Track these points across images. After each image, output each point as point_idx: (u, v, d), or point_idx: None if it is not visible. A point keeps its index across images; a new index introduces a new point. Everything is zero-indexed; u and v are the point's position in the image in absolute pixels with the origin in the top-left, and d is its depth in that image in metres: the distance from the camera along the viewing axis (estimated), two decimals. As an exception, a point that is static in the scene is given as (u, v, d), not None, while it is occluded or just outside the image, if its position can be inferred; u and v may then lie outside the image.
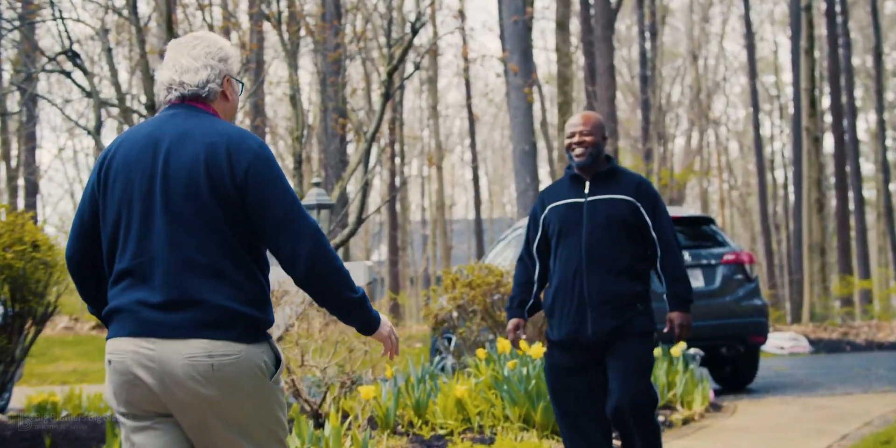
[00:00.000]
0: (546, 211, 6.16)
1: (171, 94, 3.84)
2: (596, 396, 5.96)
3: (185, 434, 3.68)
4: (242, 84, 4.05)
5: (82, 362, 17.03)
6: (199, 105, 3.84)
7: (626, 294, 5.92)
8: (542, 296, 6.27)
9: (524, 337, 6.21)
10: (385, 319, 3.93)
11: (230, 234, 3.64)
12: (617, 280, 5.92)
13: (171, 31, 11.04)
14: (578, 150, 6.07)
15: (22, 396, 12.88)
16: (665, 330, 6.04)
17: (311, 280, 3.70)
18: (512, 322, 6.18)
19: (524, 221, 13.95)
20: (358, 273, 10.43)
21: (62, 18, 11.03)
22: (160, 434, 3.67)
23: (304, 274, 3.68)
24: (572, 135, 6.10)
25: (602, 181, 6.07)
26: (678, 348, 10.46)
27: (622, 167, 6.19)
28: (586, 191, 6.06)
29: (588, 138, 6.07)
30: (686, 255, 12.18)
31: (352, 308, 3.79)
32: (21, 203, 31.81)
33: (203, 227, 3.63)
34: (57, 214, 35.32)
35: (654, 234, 6.00)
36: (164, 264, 3.62)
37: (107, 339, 3.70)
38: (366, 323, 3.87)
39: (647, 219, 5.99)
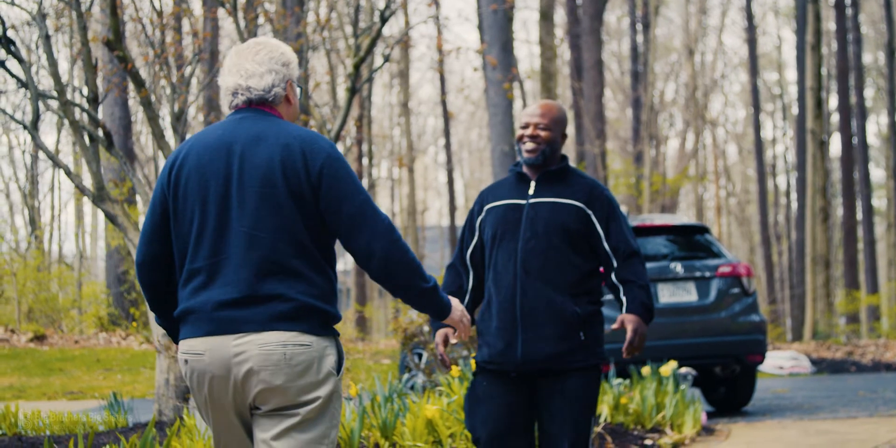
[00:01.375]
0: (483, 213, 5.82)
1: (238, 99, 4.33)
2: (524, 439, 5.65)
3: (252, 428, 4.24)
4: (301, 88, 4.51)
5: (19, 378, 17.00)
6: (266, 109, 4.34)
7: (566, 317, 5.53)
8: (475, 312, 5.88)
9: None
10: (455, 303, 4.45)
11: (304, 231, 4.16)
12: (556, 297, 5.55)
13: (115, 17, 11.03)
14: (530, 145, 5.69)
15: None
16: (614, 327, 5.66)
17: (385, 275, 4.24)
18: (439, 334, 5.73)
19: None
20: None
21: (-4, 1, 11.04)
22: (237, 428, 4.23)
23: (379, 269, 4.22)
24: (526, 126, 5.71)
25: (549, 182, 5.72)
26: (668, 367, 10.52)
27: (576, 168, 5.82)
28: (531, 191, 5.71)
29: (543, 133, 5.69)
30: (678, 267, 12.26)
31: (425, 298, 4.33)
32: (-51, 205, 31.69)
33: (278, 226, 4.14)
34: (-9, 218, 35.13)
35: (606, 246, 5.62)
36: (239, 262, 4.13)
37: (180, 339, 4.24)
38: (438, 310, 4.41)
39: (600, 230, 5.63)
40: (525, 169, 5.78)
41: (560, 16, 36.69)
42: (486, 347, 5.68)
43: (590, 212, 5.62)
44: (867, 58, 48.63)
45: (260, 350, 4.05)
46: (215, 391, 4.15)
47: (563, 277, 5.56)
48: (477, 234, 5.83)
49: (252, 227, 4.13)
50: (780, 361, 19.69)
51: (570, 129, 43.34)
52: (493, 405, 5.62)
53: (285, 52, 4.35)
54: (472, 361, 7.84)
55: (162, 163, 22.31)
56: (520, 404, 5.62)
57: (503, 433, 5.58)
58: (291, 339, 4.08)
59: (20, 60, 10.84)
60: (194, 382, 4.19)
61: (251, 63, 4.30)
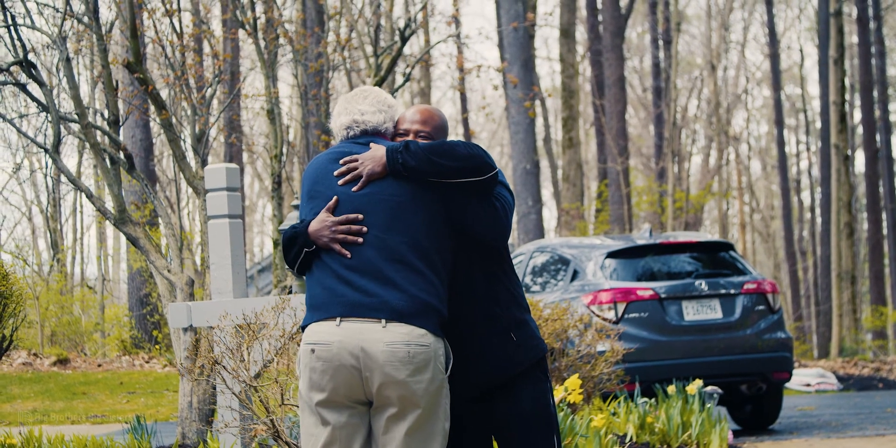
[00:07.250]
0: None
1: (353, 130, 5.01)
2: None
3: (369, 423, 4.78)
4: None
5: (42, 402, 17.03)
6: (380, 136, 5.01)
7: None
8: None
9: None
10: None
11: (425, 237, 4.77)
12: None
13: (135, 39, 11.08)
14: None
15: (-27, 440, 12.86)
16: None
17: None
18: None
19: (527, 247, 13.98)
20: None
21: (15, 25, 11.10)
22: (355, 419, 4.75)
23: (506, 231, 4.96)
24: (405, 133, 5.15)
25: None
26: (694, 386, 10.48)
27: None
28: None
29: (424, 143, 4.97)
30: (703, 284, 12.23)
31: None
32: (-29, 228, 31.76)
33: (402, 230, 4.75)
34: (13, 240, 35.25)
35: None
36: (368, 262, 4.72)
37: (309, 323, 4.77)
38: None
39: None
40: None
41: (581, 33, 36.73)
42: None
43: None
44: (891, 71, 48.48)
45: (386, 347, 4.63)
46: (340, 379, 4.68)
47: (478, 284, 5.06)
48: None
49: (382, 231, 4.73)
50: (807, 379, 19.60)
51: (593, 147, 43.30)
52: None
53: (388, 97, 5.05)
54: None
55: (183, 185, 22.43)
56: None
57: None
58: (415, 339, 4.66)
59: (41, 84, 10.90)
60: (317, 372, 4.70)
61: (363, 105, 5.00)
